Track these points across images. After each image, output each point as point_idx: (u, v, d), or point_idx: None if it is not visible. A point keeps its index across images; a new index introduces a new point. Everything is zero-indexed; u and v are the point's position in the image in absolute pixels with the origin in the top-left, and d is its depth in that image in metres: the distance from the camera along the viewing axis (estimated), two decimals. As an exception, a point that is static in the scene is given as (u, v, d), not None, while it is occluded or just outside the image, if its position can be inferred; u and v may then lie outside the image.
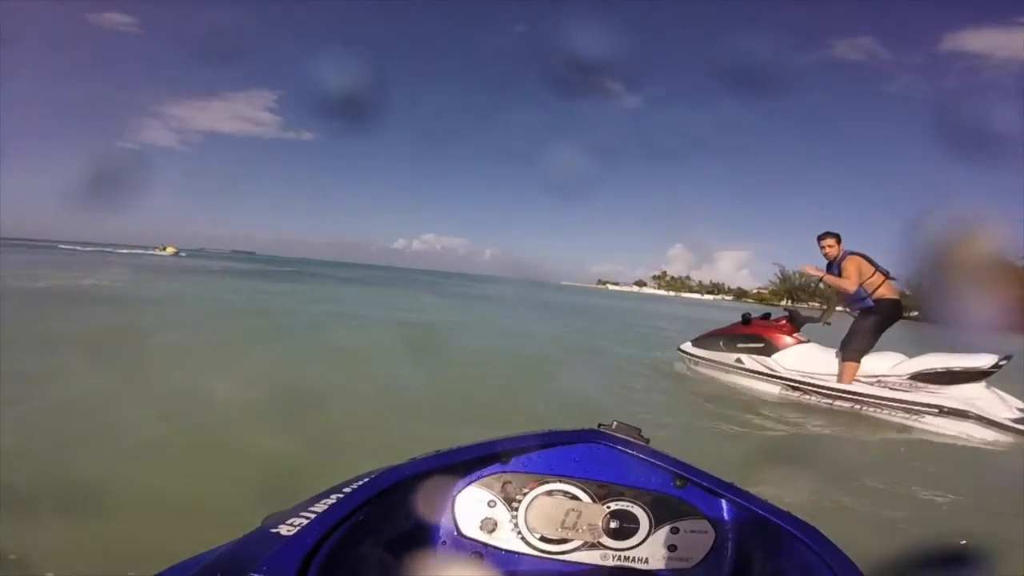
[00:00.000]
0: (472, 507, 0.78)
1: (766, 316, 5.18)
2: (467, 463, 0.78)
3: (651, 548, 0.77)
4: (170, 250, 44.01)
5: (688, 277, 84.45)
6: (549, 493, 0.79)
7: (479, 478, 0.79)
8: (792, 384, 4.61)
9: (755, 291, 68.93)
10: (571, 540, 0.78)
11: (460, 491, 0.79)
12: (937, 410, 3.88)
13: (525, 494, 0.79)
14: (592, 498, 0.78)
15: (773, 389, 4.76)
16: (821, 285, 4.65)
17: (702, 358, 5.47)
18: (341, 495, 0.66)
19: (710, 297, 74.70)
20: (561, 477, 0.79)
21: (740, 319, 5.27)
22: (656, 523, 0.78)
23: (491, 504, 0.79)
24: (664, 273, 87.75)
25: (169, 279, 14.95)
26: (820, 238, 4.40)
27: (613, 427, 0.83)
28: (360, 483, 0.68)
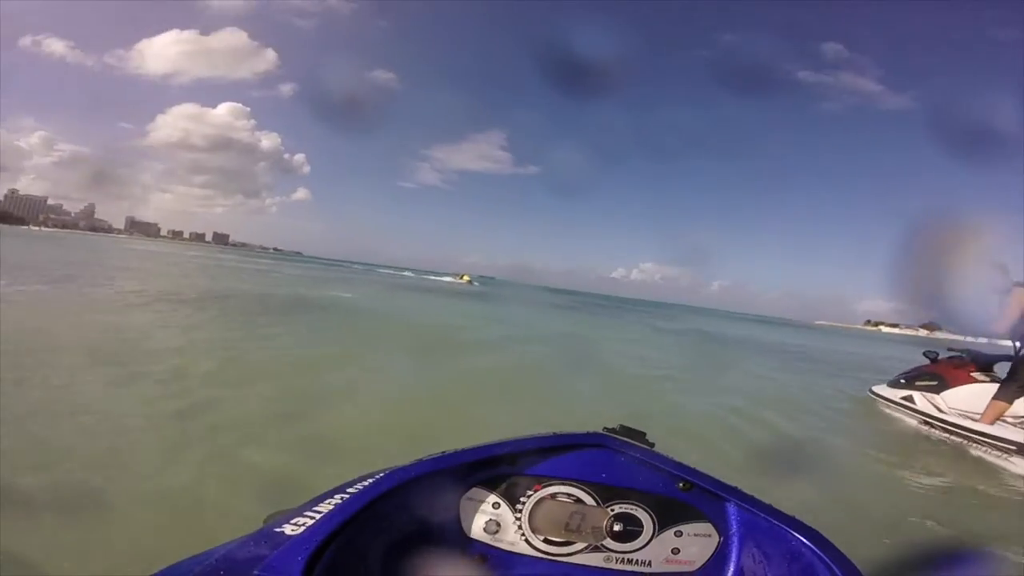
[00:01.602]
0: (477, 508, 0.79)
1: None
2: (472, 464, 0.78)
3: (654, 551, 0.77)
4: (466, 279, 51.43)
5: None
6: (553, 495, 0.79)
7: (484, 480, 0.79)
8: (927, 421, 4.37)
9: None
10: (575, 542, 0.78)
11: (465, 492, 0.79)
12: None
13: (529, 496, 0.79)
14: (596, 501, 0.78)
15: (911, 422, 4.58)
16: None
17: (883, 397, 5.22)
18: (346, 495, 0.68)
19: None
20: (566, 480, 0.79)
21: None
22: (660, 526, 0.78)
23: (496, 506, 0.79)
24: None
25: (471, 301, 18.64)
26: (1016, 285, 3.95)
27: (618, 430, 0.84)
28: (365, 484, 0.70)
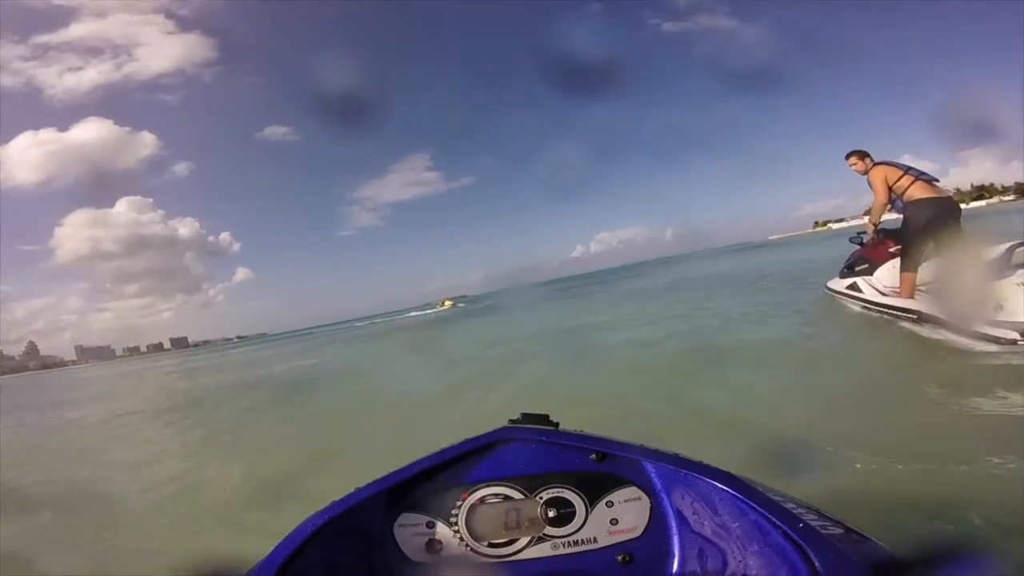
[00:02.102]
0: (411, 532, 0.79)
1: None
2: (390, 491, 0.78)
3: (594, 527, 0.78)
4: (448, 304, 51.01)
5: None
6: (482, 500, 0.79)
7: (409, 503, 0.79)
8: (865, 304, 4.59)
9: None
10: (518, 539, 0.78)
11: (394, 520, 0.79)
12: None
13: (459, 506, 0.79)
14: (523, 494, 0.79)
15: (855, 308, 4.81)
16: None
17: (835, 291, 5.50)
18: (274, 548, 0.67)
19: (978, 204, 57.23)
20: (488, 481, 0.80)
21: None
22: (590, 502, 0.79)
23: (430, 525, 0.79)
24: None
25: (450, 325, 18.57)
26: (845, 158, 4.24)
27: (520, 419, 0.85)
28: (288, 535, 0.69)
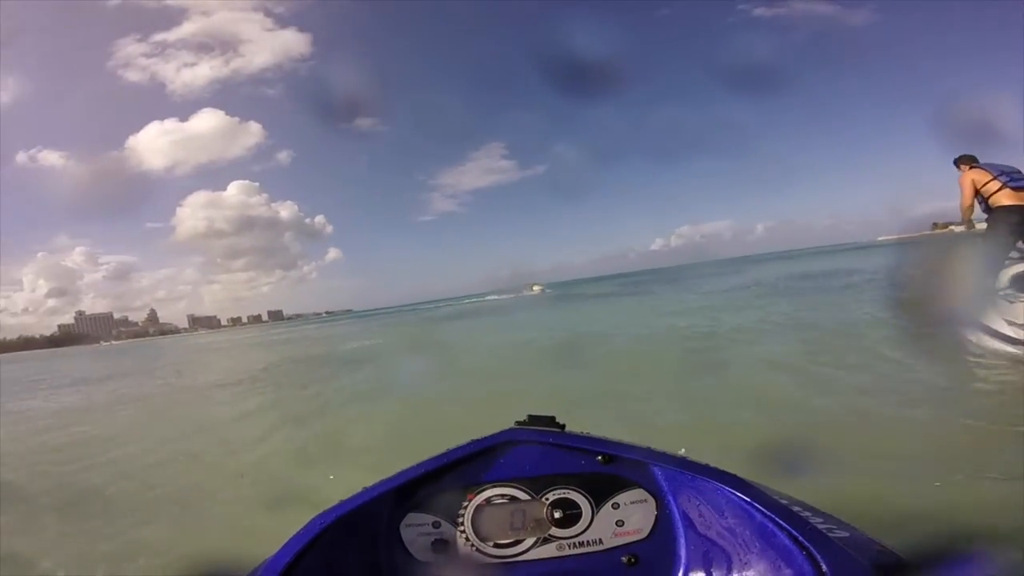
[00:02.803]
0: (417, 532, 0.80)
1: None
2: (397, 491, 0.79)
3: (600, 528, 0.79)
4: (537, 288, 51.38)
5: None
6: (488, 500, 0.80)
7: (415, 503, 0.80)
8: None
9: None
10: (524, 540, 0.79)
11: (401, 520, 0.80)
12: None
13: (465, 507, 0.80)
14: (530, 495, 0.80)
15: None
16: None
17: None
18: (284, 544, 0.69)
19: None
20: (494, 482, 0.81)
21: None
22: (596, 503, 0.80)
23: (436, 525, 0.80)
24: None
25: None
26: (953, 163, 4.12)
27: (527, 421, 0.85)
28: (298, 531, 0.70)
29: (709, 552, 0.75)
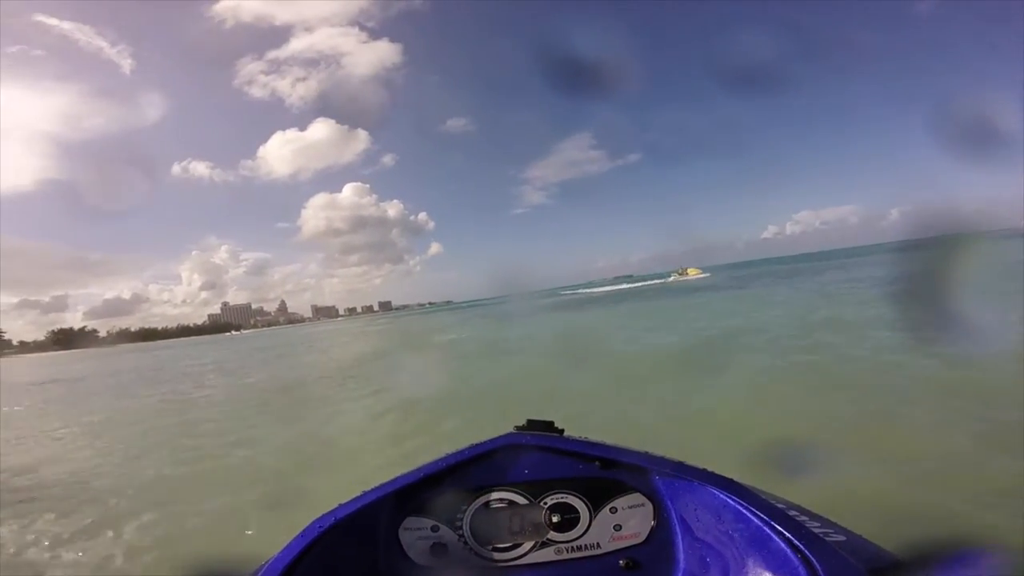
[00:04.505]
0: (416, 536, 0.79)
1: None
2: (397, 495, 0.79)
3: (598, 532, 0.79)
4: (692, 272, 45.07)
5: None
6: (487, 504, 0.80)
7: (415, 507, 0.80)
8: None
9: None
10: (522, 543, 0.79)
11: (400, 524, 0.79)
12: None
13: (464, 511, 0.80)
14: (528, 499, 0.80)
15: None
16: None
17: None
18: (286, 545, 0.69)
19: None
20: (493, 486, 0.80)
21: None
22: (594, 507, 0.80)
23: (435, 529, 0.79)
24: None
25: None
26: None
27: (527, 426, 0.86)
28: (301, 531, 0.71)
29: (706, 556, 0.75)
